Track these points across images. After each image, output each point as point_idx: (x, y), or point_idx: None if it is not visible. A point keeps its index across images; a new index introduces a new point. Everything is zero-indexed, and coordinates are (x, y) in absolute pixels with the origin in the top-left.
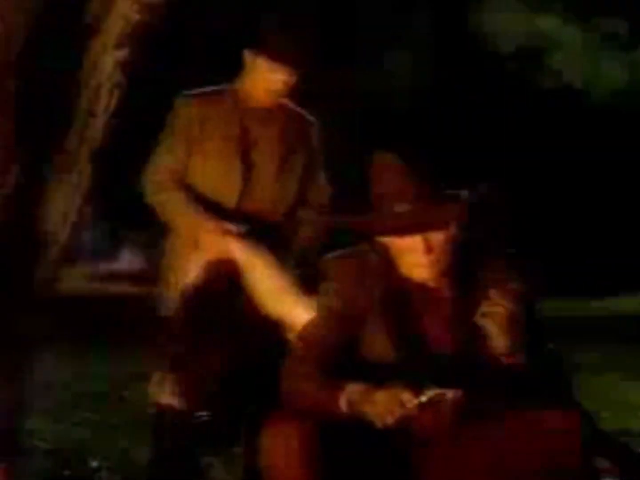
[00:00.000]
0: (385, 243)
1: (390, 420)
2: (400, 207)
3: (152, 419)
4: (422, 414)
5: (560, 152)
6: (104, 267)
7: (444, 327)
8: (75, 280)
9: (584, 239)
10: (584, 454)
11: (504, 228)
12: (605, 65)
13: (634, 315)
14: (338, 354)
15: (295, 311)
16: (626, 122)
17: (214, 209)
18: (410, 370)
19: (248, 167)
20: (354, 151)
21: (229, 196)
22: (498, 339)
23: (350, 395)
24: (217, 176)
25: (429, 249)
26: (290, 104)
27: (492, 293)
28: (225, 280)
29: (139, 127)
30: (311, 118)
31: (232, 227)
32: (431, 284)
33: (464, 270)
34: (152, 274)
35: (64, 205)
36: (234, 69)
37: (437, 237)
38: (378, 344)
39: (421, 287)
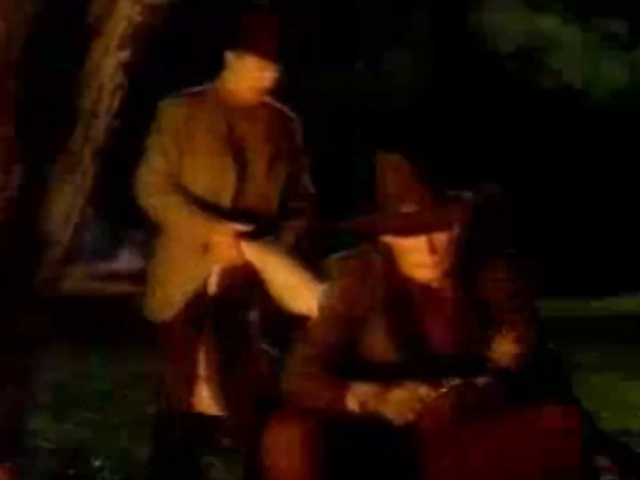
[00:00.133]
0: (389, 243)
1: (410, 417)
2: (405, 208)
3: (152, 419)
4: (424, 411)
5: (560, 152)
6: (103, 267)
7: (446, 327)
8: (76, 280)
9: (583, 239)
10: (584, 453)
11: (505, 228)
12: (605, 65)
13: (633, 315)
14: (340, 353)
15: (313, 304)
16: (626, 122)
17: (209, 209)
18: (411, 370)
19: (241, 165)
20: (354, 151)
21: (224, 195)
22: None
23: (362, 397)
24: (210, 176)
25: (433, 250)
26: (272, 101)
27: (505, 331)
28: (242, 286)
29: (138, 127)
30: (292, 114)
31: (243, 227)
32: (434, 284)
33: (466, 270)
34: None
35: (66, 206)
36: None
37: (441, 238)
38: (379, 344)
39: (424, 287)
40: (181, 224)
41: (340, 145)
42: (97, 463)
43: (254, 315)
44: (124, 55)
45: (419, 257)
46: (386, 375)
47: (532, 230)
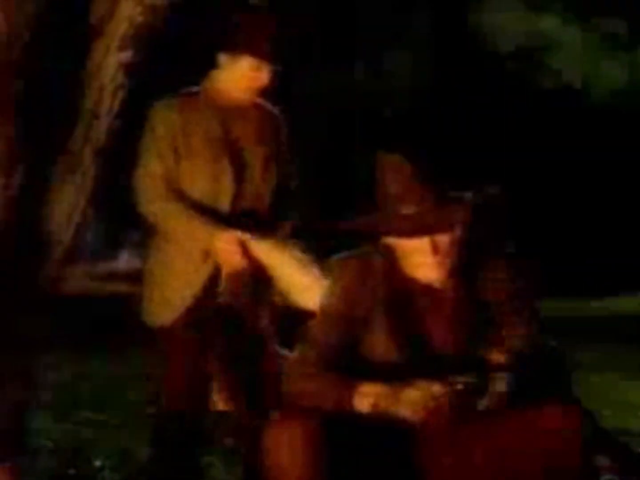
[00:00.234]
0: (391, 244)
1: (425, 415)
2: (406, 209)
3: (152, 419)
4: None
5: (560, 152)
6: (103, 266)
7: (447, 327)
8: (76, 279)
9: (583, 239)
10: (584, 453)
11: (505, 228)
12: (605, 65)
13: (633, 315)
14: (341, 354)
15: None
16: (626, 122)
17: (208, 213)
18: (413, 369)
19: (237, 167)
20: (354, 151)
21: (222, 199)
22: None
23: (372, 397)
24: (208, 180)
25: (435, 250)
26: (262, 101)
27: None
28: (249, 291)
29: (138, 127)
30: (279, 113)
31: (246, 235)
32: (436, 284)
33: (467, 270)
34: None
35: (68, 206)
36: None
37: (443, 238)
38: (381, 344)
39: (425, 287)
40: (181, 231)
41: (340, 145)
42: (97, 463)
43: (265, 318)
44: (125, 55)
45: (422, 257)
46: (388, 375)
47: (532, 230)
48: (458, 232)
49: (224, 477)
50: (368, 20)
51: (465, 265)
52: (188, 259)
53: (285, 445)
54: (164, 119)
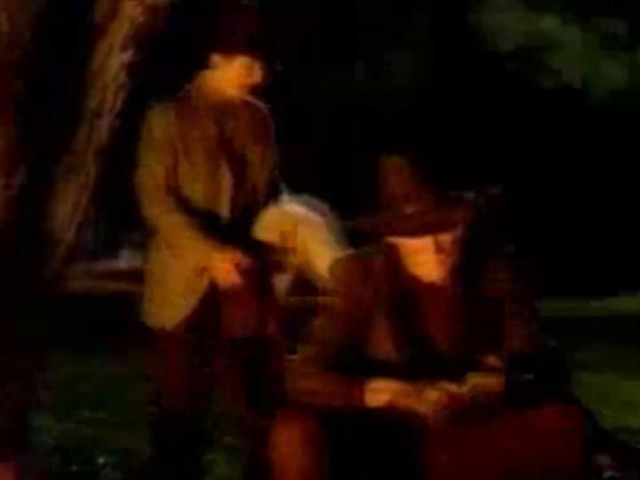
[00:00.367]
0: (394, 243)
1: (446, 415)
2: (409, 209)
3: (153, 418)
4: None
5: (559, 152)
6: (103, 265)
7: (448, 326)
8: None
9: (583, 239)
10: (584, 453)
11: (505, 228)
12: (604, 65)
13: (633, 315)
14: (344, 353)
15: None
16: (626, 122)
17: (208, 218)
18: (416, 369)
19: (235, 167)
20: (354, 151)
21: (221, 201)
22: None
23: (388, 393)
24: (207, 182)
25: (439, 249)
26: (250, 97)
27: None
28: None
29: (137, 127)
30: (266, 109)
31: (242, 260)
32: (439, 283)
33: (468, 270)
34: None
35: (70, 205)
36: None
37: (446, 238)
38: (384, 344)
39: (428, 286)
40: (179, 245)
41: (340, 145)
42: (99, 460)
43: (271, 323)
44: (127, 55)
45: (425, 256)
46: (390, 374)
47: (532, 230)
48: (460, 231)
49: (227, 474)
50: (368, 20)
51: (465, 265)
52: (189, 265)
53: (288, 443)
54: (162, 124)
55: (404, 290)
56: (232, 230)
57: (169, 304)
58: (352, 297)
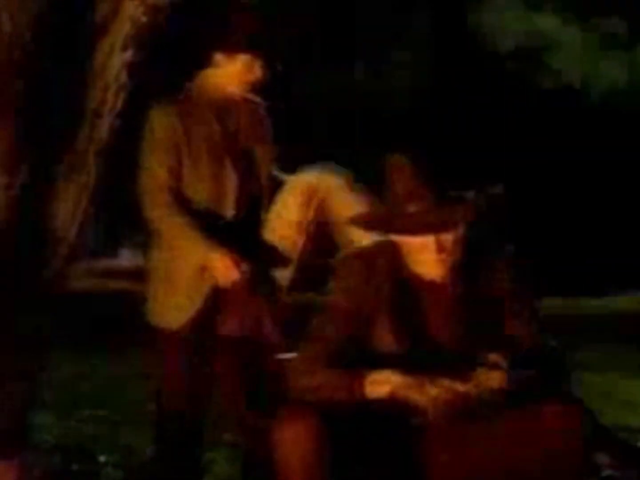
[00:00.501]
0: (397, 242)
1: (447, 412)
2: (411, 208)
3: (153, 417)
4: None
5: (559, 151)
6: (104, 264)
7: (449, 324)
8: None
9: (583, 239)
10: (584, 453)
11: (505, 228)
12: (604, 65)
13: (633, 314)
14: (346, 351)
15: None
16: (625, 122)
17: (211, 218)
18: (417, 366)
19: (239, 162)
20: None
21: (226, 202)
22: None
23: (391, 386)
24: (212, 183)
25: (441, 248)
26: (248, 94)
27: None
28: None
29: (138, 127)
30: (263, 104)
31: (241, 260)
32: (440, 282)
33: (468, 269)
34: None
35: (72, 204)
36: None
37: (447, 237)
38: (385, 342)
39: (429, 285)
40: (180, 245)
41: (340, 145)
42: (100, 459)
43: (268, 324)
44: (128, 55)
45: (427, 255)
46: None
47: (532, 230)
48: (461, 230)
49: (227, 473)
50: (368, 20)
51: (466, 264)
52: (191, 264)
53: (291, 440)
54: (165, 125)
55: (405, 289)
56: (236, 229)
57: (175, 304)
58: (355, 295)
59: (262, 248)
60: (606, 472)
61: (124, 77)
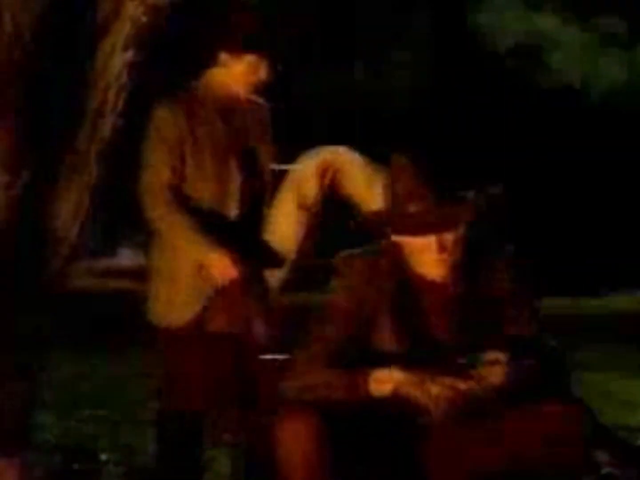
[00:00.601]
0: (398, 242)
1: (449, 410)
2: (413, 208)
3: (154, 416)
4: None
5: (559, 151)
6: (104, 263)
7: (450, 324)
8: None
9: (583, 238)
10: (585, 451)
11: (505, 228)
12: (603, 65)
13: (633, 314)
14: (348, 351)
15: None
16: (625, 122)
17: (213, 218)
18: (419, 366)
19: (244, 160)
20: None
21: (230, 202)
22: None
23: (394, 384)
24: (217, 182)
25: (442, 248)
26: (251, 94)
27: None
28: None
29: (139, 127)
30: (265, 104)
31: (238, 264)
32: (441, 282)
33: (469, 269)
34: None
35: (74, 204)
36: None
37: (449, 237)
38: (386, 342)
39: (430, 284)
40: (179, 244)
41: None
42: (101, 458)
43: (259, 325)
44: (129, 55)
45: (429, 255)
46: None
47: (532, 230)
48: (461, 230)
49: (227, 472)
50: (368, 20)
51: (466, 264)
52: (192, 264)
53: (293, 439)
54: (171, 123)
55: (406, 289)
56: (239, 227)
57: (177, 303)
58: (356, 295)
59: (260, 248)
60: (606, 470)
61: (125, 77)
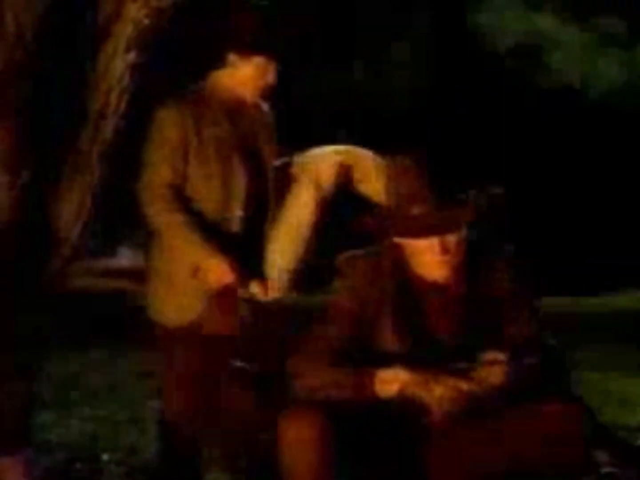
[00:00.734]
0: (400, 243)
1: (452, 410)
2: (415, 210)
3: (155, 415)
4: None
5: (558, 151)
6: (104, 263)
7: (452, 325)
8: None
9: (583, 238)
10: (585, 450)
11: (505, 228)
12: (603, 65)
13: (633, 313)
14: (349, 352)
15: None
16: (624, 121)
17: (219, 215)
18: (419, 366)
19: (248, 164)
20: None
21: (234, 204)
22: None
23: (400, 384)
24: (221, 183)
25: (445, 250)
26: (258, 99)
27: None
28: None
29: (139, 128)
30: (268, 107)
31: (235, 268)
32: (443, 283)
33: (469, 269)
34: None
35: (76, 205)
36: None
37: (451, 238)
38: (389, 343)
39: (432, 285)
40: (177, 246)
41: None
42: (103, 457)
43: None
44: (131, 57)
45: (432, 257)
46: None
47: (532, 230)
48: (464, 232)
49: (228, 472)
50: (368, 20)
51: (467, 265)
52: (187, 265)
53: (296, 440)
54: (177, 124)
55: (408, 290)
56: (244, 230)
57: (176, 303)
58: (359, 297)
59: (260, 249)
60: (605, 470)
61: (127, 78)
